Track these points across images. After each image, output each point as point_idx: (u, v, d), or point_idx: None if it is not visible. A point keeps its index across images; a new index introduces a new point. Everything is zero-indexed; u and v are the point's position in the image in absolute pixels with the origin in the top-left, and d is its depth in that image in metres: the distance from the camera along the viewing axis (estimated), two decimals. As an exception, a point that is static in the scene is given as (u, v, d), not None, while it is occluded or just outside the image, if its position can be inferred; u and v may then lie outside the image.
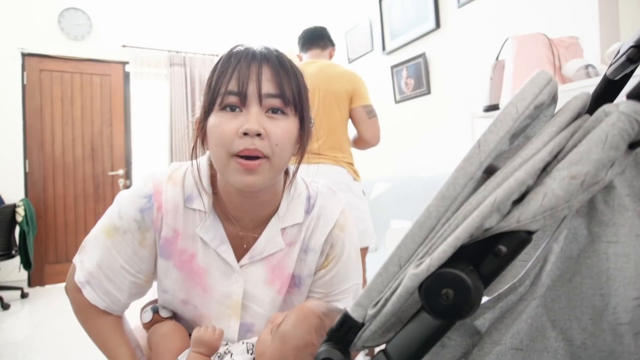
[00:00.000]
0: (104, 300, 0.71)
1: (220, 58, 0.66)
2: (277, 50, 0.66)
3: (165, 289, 0.73)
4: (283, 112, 0.64)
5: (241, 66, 0.62)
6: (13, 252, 3.38)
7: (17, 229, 3.43)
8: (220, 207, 0.71)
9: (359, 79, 1.83)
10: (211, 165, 0.72)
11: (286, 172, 0.76)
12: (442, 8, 2.71)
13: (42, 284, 3.92)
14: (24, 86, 3.88)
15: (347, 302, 0.78)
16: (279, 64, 0.64)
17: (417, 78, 2.91)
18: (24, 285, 3.76)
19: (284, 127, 0.63)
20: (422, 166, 2.80)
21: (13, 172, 3.81)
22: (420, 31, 2.84)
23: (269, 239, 0.71)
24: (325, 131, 1.75)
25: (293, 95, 0.64)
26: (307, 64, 1.87)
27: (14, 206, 3.39)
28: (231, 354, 0.62)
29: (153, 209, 0.68)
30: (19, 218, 3.37)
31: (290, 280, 0.73)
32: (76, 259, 0.73)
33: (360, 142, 1.87)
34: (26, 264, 3.42)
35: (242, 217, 0.71)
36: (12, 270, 3.67)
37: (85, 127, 4.14)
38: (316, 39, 1.94)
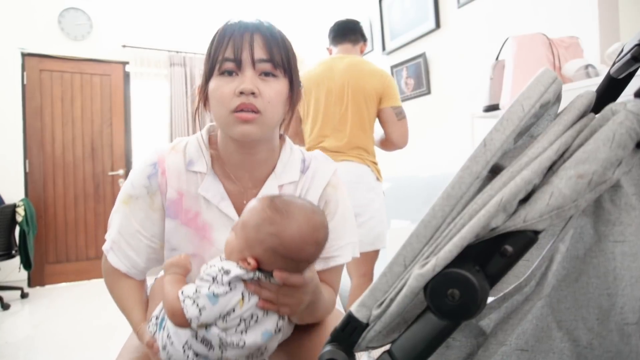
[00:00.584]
0: (124, 264, 0.79)
1: (217, 31, 0.74)
2: (268, 22, 0.75)
3: (174, 246, 0.79)
4: (274, 75, 0.72)
5: (235, 36, 0.71)
6: (13, 252, 3.38)
7: (17, 229, 3.42)
8: (221, 167, 0.79)
9: (390, 78, 1.78)
10: (210, 137, 0.82)
11: (282, 138, 0.84)
12: (442, 8, 2.71)
13: (42, 284, 3.91)
14: (24, 86, 3.88)
15: (345, 259, 0.83)
16: (269, 33, 0.72)
17: (417, 78, 2.91)
18: (24, 285, 3.76)
19: (275, 87, 0.72)
20: (422, 166, 2.79)
21: (13, 172, 3.80)
22: (420, 31, 2.84)
23: (268, 191, 0.79)
24: (352, 129, 1.71)
25: (282, 60, 0.72)
26: (337, 58, 1.80)
27: (14, 206, 3.39)
28: (208, 264, 0.65)
29: (158, 174, 0.77)
30: (19, 218, 3.36)
31: None
32: (107, 235, 0.82)
33: (387, 144, 1.83)
34: (26, 264, 3.42)
35: (242, 175, 0.79)
36: (12, 270, 3.66)
37: (86, 127, 4.14)
38: (348, 33, 1.88)
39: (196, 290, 0.62)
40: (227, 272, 0.61)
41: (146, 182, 0.77)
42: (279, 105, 0.73)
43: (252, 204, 0.67)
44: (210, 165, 0.78)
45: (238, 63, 0.70)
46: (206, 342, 0.63)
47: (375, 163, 1.79)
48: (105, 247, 0.80)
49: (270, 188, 0.79)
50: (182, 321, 0.62)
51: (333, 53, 1.91)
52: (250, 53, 0.70)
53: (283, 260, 0.62)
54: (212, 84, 0.72)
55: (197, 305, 0.61)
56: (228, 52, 0.70)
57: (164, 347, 0.65)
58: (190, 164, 0.78)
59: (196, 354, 0.64)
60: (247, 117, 0.69)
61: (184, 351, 0.63)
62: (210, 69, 0.73)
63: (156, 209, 0.78)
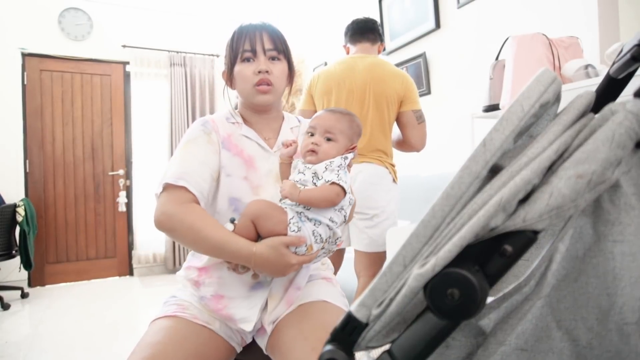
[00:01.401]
0: (196, 189, 0.92)
1: (235, 31, 1.02)
2: (269, 23, 1.03)
3: (228, 173, 0.99)
4: (278, 59, 1.01)
5: (250, 33, 1.00)
6: (13, 252, 3.38)
7: (18, 229, 3.43)
8: (248, 123, 1.07)
9: (411, 81, 1.77)
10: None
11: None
12: (442, 8, 2.71)
13: (42, 283, 3.91)
14: (24, 86, 3.88)
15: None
16: (272, 30, 1.02)
17: (417, 78, 2.91)
18: (24, 285, 3.76)
19: (280, 67, 1.01)
20: (422, 166, 2.79)
21: (13, 172, 3.81)
22: (420, 31, 2.84)
23: (285, 134, 1.08)
24: (373, 131, 1.71)
25: (282, 48, 1.02)
26: (358, 58, 1.78)
27: (15, 206, 3.39)
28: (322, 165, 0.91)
29: (209, 122, 1.02)
30: (19, 218, 3.37)
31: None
32: (160, 188, 0.94)
33: (405, 146, 1.83)
34: (26, 263, 3.42)
35: (262, 128, 1.07)
36: (13, 270, 3.66)
37: (86, 127, 4.14)
38: (366, 31, 1.85)
39: (338, 174, 0.87)
40: (345, 158, 0.92)
41: (201, 127, 1.00)
42: (284, 79, 1.03)
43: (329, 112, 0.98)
44: (242, 121, 1.06)
45: (254, 52, 0.99)
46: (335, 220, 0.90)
47: (393, 165, 1.80)
48: (171, 180, 0.91)
49: (285, 130, 1.09)
50: (335, 201, 0.87)
51: (351, 52, 1.88)
52: (261, 44, 0.99)
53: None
54: (237, 68, 1.00)
55: (343, 180, 0.86)
56: (246, 45, 0.99)
57: (313, 233, 0.87)
58: (227, 119, 1.06)
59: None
60: (264, 90, 0.99)
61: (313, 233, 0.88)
62: (233, 58, 1.00)
63: (213, 143, 0.99)
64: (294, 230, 0.86)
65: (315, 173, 0.88)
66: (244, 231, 0.88)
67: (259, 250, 0.85)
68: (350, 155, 0.93)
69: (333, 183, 0.86)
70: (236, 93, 1.07)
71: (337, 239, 0.93)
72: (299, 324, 0.92)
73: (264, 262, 0.85)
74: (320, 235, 0.88)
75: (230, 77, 1.03)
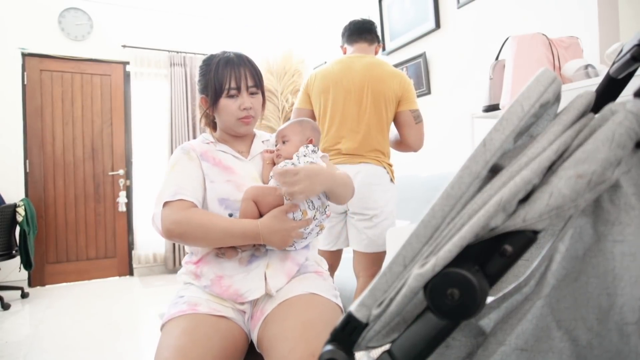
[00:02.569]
0: (192, 197, 1.05)
1: (217, 62, 1.12)
2: (248, 58, 1.15)
3: (212, 179, 1.10)
4: (257, 93, 1.14)
5: (235, 70, 1.11)
6: (13, 252, 3.38)
7: (18, 229, 3.42)
8: (223, 142, 1.20)
9: (409, 81, 1.78)
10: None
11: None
12: (442, 8, 2.71)
13: (42, 283, 3.91)
14: (24, 86, 3.88)
15: None
16: (251, 65, 1.14)
17: (417, 78, 2.91)
18: (25, 285, 3.76)
19: (258, 99, 1.14)
20: (422, 166, 2.79)
21: (13, 171, 3.81)
22: (420, 31, 2.84)
23: (257, 146, 1.21)
24: (371, 131, 1.71)
25: (260, 83, 1.14)
26: (356, 58, 1.78)
27: (15, 206, 3.39)
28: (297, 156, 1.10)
29: (186, 146, 1.15)
30: (20, 218, 3.37)
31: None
32: (160, 207, 1.05)
33: (402, 146, 1.83)
34: (26, 263, 3.42)
35: (237, 145, 1.20)
36: (13, 270, 3.66)
37: (86, 127, 4.14)
38: (364, 32, 1.86)
39: (312, 158, 1.09)
40: (307, 147, 1.12)
41: (181, 151, 1.13)
42: (260, 110, 1.17)
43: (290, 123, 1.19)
44: (216, 141, 1.19)
45: (239, 89, 1.11)
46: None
47: (390, 165, 1.79)
48: (169, 197, 1.03)
49: (256, 143, 1.21)
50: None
51: (348, 52, 1.88)
52: (245, 82, 1.11)
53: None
54: (222, 102, 1.11)
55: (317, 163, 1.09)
56: (232, 83, 1.10)
57: (315, 217, 1.04)
58: (203, 141, 1.18)
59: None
60: (247, 122, 1.14)
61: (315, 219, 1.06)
62: (218, 92, 1.10)
63: (193, 159, 1.12)
64: (289, 200, 1.01)
65: (293, 164, 1.06)
66: (248, 212, 1.02)
67: (263, 223, 0.99)
68: (310, 146, 1.12)
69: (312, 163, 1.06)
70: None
71: (326, 207, 1.09)
72: (283, 321, 0.94)
73: (270, 231, 0.98)
74: (312, 202, 1.04)
75: (212, 107, 1.14)
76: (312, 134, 1.17)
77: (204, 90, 1.14)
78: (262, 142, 1.24)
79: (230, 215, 1.06)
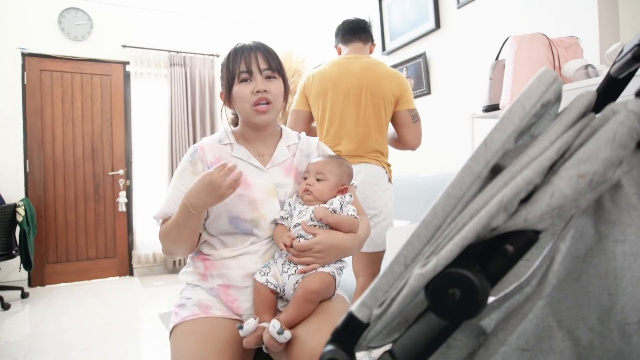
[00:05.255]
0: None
1: (230, 53, 1.06)
2: (262, 43, 1.08)
3: None
4: (274, 77, 1.05)
5: (245, 55, 1.03)
6: (13, 252, 3.38)
7: (18, 229, 3.42)
8: (243, 141, 1.11)
9: (406, 81, 1.78)
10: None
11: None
12: (442, 8, 2.71)
13: (42, 283, 3.91)
14: (24, 86, 3.88)
15: None
16: (265, 49, 1.06)
17: (417, 78, 2.91)
18: (25, 285, 3.76)
19: (276, 84, 1.05)
20: (422, 166, 2.79)
21: (13, 171, 3.80)
22: (420, 31, 2.84)
23: (281, 152, 1.11)
24: (370, 132, 1.72)
25: (277, 66, 1.05)
26: (353, 59, 1.78)
27: (15, 206, 3.39)
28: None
29: (197, 150, 1.08)
30: (20, 218, 3.36)
31: (297, 173, 1.11)
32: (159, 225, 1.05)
33: (400, 145, 1.84)
34: (26, 263, 3.42)
35: (258, 145, 1.11)
36: (13, 270, 3.66)
37: (86, 127, 4.14)
38: (358, 31, 1.84)
39: (355, 210, 1.05)
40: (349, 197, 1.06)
41: (190, 158, 1.07)
42: (280, 96, 1.06)
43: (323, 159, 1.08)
44: (235, 140, 1.11)
45: (250, 72, 1.02)
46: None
47: (389, 165, 1.80)
48: (161, 218, 1.05)
49: (281, 147, 1.12)
50: (355, 229, 1.04)
51: (343, 52, 1.89)
52: (257, 64, 1.02)
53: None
54: (236, 89, 1.03)
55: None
56: (242, 66, 1.02)
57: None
58: (220, 140, 1.11)
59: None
60: (263, 109, 1.03)
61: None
62: (231, 79, 1.04)
63: (198, 173, 1.01)
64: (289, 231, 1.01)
65: (334, 210, 1.01)
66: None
67: (187, 193, 0.95)
68: (347, 196, 1.04)
69: (354, 217, 1.02)
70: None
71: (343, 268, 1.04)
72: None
73: (194, 191, 0.93)
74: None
75: (228, 98, 1.07)
76: (348, 180, 1.09)
77: (222, 83, 1.09)
78: (288, 146, 1.13)
79: (240, 327, 0.91)
